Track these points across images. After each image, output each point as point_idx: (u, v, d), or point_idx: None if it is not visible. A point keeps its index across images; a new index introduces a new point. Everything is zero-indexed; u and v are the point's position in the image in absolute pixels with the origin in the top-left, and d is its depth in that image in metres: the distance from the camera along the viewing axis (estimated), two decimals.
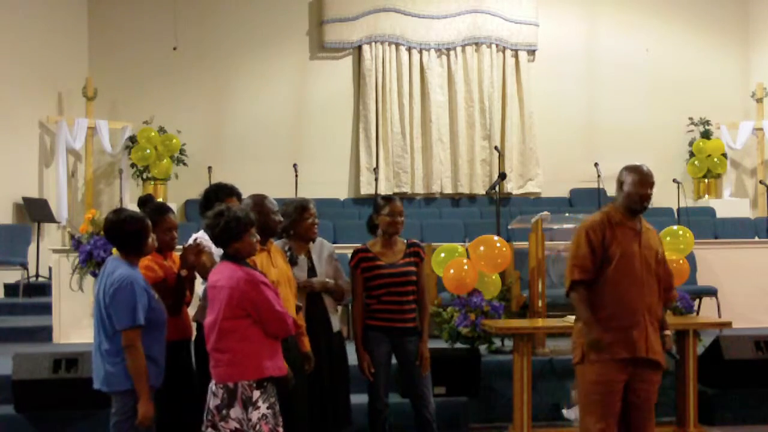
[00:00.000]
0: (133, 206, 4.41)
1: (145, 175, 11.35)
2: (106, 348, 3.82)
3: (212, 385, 3.78)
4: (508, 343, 6.46)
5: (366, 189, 11.81)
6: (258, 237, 3.92)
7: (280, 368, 3.80)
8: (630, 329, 4.10)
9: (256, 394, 3.69)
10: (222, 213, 3.81)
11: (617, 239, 4.18)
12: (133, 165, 11.31)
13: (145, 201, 4.35)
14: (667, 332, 4.32)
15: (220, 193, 4.54)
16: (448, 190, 12.07)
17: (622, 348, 4.09)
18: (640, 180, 4.22)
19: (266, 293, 3.72)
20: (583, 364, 4.17)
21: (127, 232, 3.87)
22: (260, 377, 3.70)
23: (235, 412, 3.69)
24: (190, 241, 4.39)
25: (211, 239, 3.89)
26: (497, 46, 12.21)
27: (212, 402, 3.76)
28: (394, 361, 4.82)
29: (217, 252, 4.13)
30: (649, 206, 4.34)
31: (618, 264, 4.14)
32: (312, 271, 4.57)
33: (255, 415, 3.67)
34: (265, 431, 3.67)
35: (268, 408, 3.70)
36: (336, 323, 4.65)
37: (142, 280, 3.84)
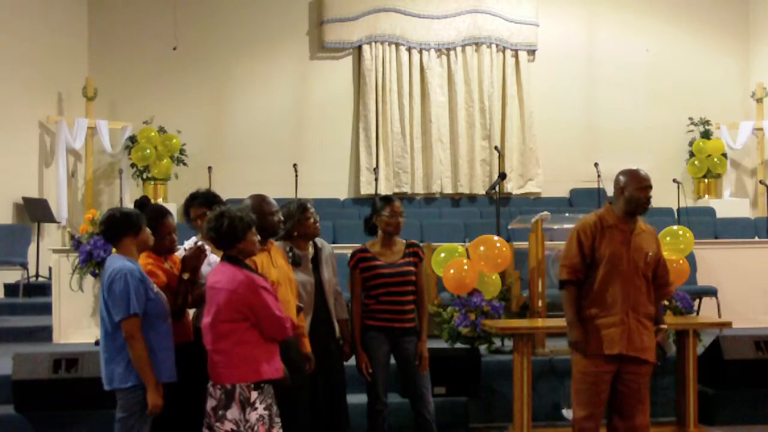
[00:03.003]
0: (131, 207, 4.38)
1: (145, 175, 11.35)
2: (107, 345, 3.83)
3: (209, 386, 3.79)
4: (508, 343, 6.46)
5: (366, 189, 11.81)
6: (258, 236, 3.93)
7: (277, 370, 3.80)
8: (612, 327, 4.32)
9: (254, 395, 3.70)
10: (223, 214, 3.81)
11: (606, 241, 4.40)
12: (133, 165, 11.31)
13: (141, 204, 4.32)
14: (663, 326, 4.54)
15: (199, 199, 4.55)
16: (448, 190, 12.08)
17: (605, 345, 4.32)
18: (641, 184, 4.44)
19: (265, 298, 3.72)
20: (575, 355, 4.44)
21: (118, 226, 3.89)
22: (258, 379, 3.71)
23: (232, 413, 3.69)
24: (186, 245, 4.37)
25: (214, 242, 3.88)
26: (497, 46, 12.21)
27: (209, 403, 3.77)
28: (393, 361, 4.82)
29: (215, 258, 4.15)
30: (650, 206, 4.51)
31: (606, 265, 4.37)
32: (317, 273, 4.58)
33: (253, 417, 3.68)
34: None
35: (265, 409, 3.72)
36: (338, 328, 4.65)
37: (139, 272, 3.83)
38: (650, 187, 4.46)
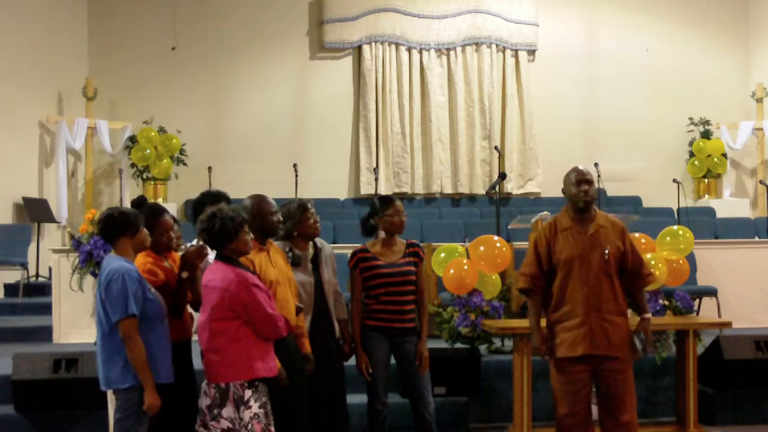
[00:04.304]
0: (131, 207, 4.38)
1: (145, 175, 11.35)
2: (105, 346, 3.82)
3: (204, 385, 3.80)
4: (508, 343, 6.47)
5: (366, 189, 11.81)
6: (252, 235, 3.93)
7: (271, 368, 3.81)
8: (574, 329, 4.32)
9: (248, 393, 3.71)
10: (215, 214, 3.82)
11: (561, 245, 4.39)
12: (133, 165, 11.31)
13: (139, 203, 4.32)
14: (646, 316, 4.47)
15: (210, 198, 4.54)
16: (448, 190, 12.07)
17: (569, 348, 4.33)
18: (576, 178, 4.40)
19: (257, 295, 3.73)
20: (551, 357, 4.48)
21: (116, 226, 3.88)
22: (251, 378, 3.73)
23: (227, 411, 3.71)
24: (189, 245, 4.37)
25: (207, 242, 3.89)
26: (497, 46, 12.21)
27: (203, 401, 3.78)
28: (393, 361, 4.82)
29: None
30: (589, 200, 4.39)
31: (562, 268, 4.37)
32: (317, 273, 4.58)
33: (247, 415, 3.69)
34: (257, 430, 3.68)
35: (259, 407, 3.72)
36: (338, 329, 4.66)
37: (136, 272, 3.82)
38: (585, 181, 4.38)
